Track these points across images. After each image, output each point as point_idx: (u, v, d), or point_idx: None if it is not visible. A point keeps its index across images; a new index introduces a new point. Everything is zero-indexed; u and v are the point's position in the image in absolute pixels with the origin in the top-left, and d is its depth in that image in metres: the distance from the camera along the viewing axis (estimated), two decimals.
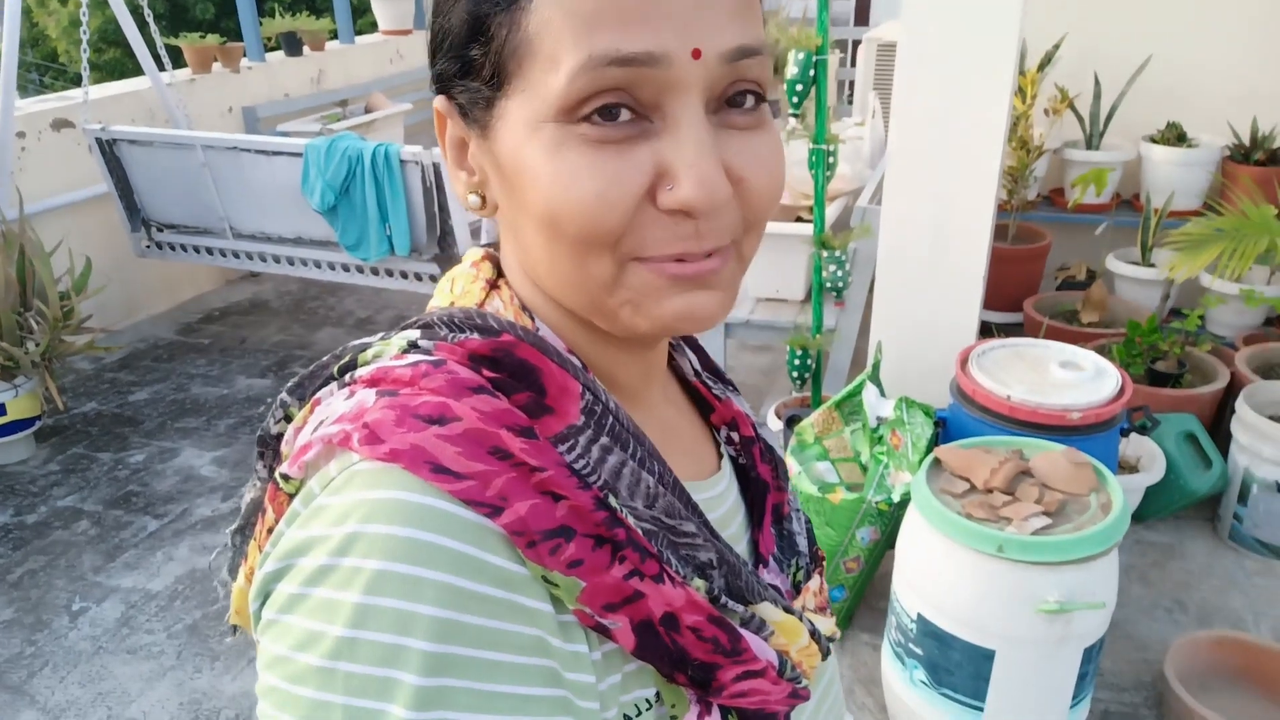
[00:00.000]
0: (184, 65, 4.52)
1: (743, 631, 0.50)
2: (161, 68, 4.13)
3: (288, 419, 0.52)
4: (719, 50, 0.44)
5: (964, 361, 2.25)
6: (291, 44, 5.05)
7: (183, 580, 2.55)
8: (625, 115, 0.44)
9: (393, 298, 4.44)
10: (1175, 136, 3.48)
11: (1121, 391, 2.14)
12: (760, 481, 0.64)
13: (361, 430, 0.43)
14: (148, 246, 3.90)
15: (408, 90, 5.78)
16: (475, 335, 0.49)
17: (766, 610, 0.53)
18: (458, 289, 0.56)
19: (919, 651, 1.84)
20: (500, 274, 0.56)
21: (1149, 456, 2.59)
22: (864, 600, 2.35)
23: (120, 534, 2.75)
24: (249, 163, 3.47)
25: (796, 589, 0.62)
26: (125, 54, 11.07)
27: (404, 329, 0.52)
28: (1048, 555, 1.64)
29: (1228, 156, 3.43)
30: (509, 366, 0.48)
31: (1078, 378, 2.17)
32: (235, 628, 0.56)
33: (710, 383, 0.66)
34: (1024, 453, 1.88)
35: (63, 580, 2.55)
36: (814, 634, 0.56)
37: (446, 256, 3.32)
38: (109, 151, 3.63)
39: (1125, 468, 2.59)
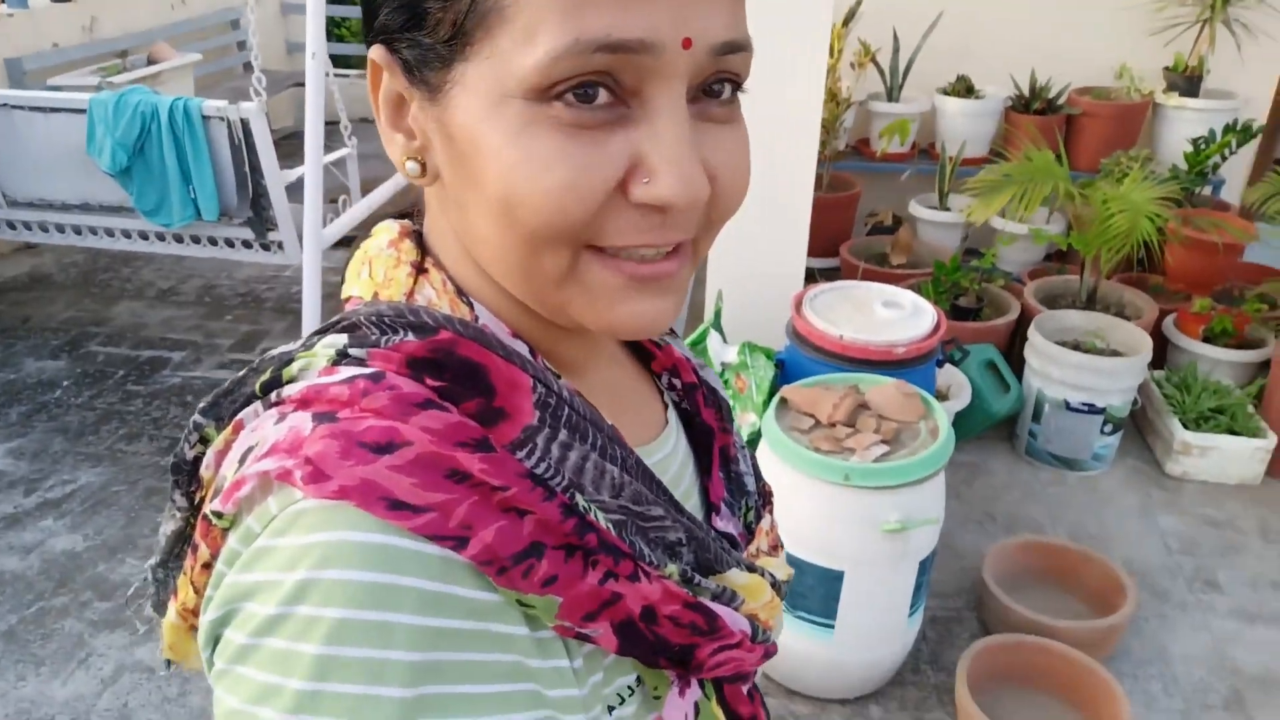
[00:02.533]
0: None
1: (716, 608, 0.49)
2: None
3: (204, 441, 0.47)
4: (710, 42, 0.42)
5: (798, 305, 2.37)
6: None
7: None
8: (603, 98, 0.41)
9: (198, 265, 4.14)
10: (964, 89, 3.76)
11: (937, 326, 2.32)
12: (705, 427, 0.63)
13: (304, 466, 0.40)
14: None
15: (194, 39, 5.33)
16: (410, 335, 0.45)
17: (734, 577, 0.53)
18: (379, 275, 0.50)
19: None
20: (424, 253, 0.51)
21: (957, 385, 2.83)
22: None
23: None
24: (23, 121, 3.11)
25: (749, 530, 0.63)
26: None
27: (325, 332, 0.47)
28: (889, 480, 1.78)
29: (1010, 107, 3.75)
30: (452, 368, 0.44)
31: (899, 315, 2.34)
32: (169, 661, 0.53)
33: None
34: (860, 387, 2.01)
35: None
36: (774, 584, 0.56)
37: (261, 220, 3.13)
38: None
39: (938, 397, 2.82)
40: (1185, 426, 2.77)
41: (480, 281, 0.50)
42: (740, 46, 0.44)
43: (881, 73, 3.79)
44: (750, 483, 0.64)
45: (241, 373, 0.48)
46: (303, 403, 0.43)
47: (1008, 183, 2.94)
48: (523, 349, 0.49)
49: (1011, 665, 2.00)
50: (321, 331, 0.47)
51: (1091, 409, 2.75)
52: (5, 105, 3.10)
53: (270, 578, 0.39)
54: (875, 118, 3.84)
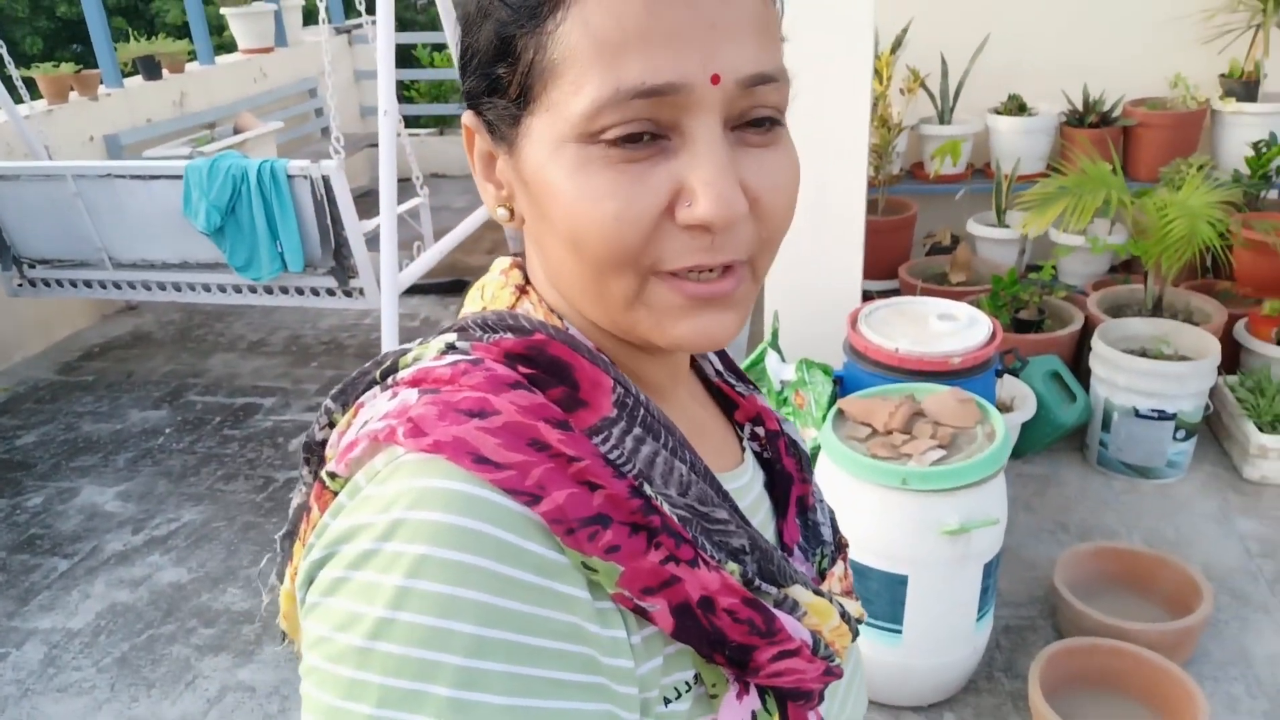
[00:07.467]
0: (39, 96, 4.34)
1: (776, 612, 0.51)
2: (17, 100, 3.96)
3: (331, 425, 0.54)
4: (737, 76, 0.46)
5: (854, 322, 2.43)
6: (150, 68, 4.90)
7: (104, 615, 2.49)
8: (646, 137, 0.46)
9: (285, 317, 4.38)
10: (1017, 107, 3.80)
11: (993, 336, 2.36)
12: (785, 474, 0.66)
13: (406, 424, 0.46)
14: (20, 285, 3.74)
15: (274, 109, 5.68)
16: (509, 335, 0.51)
17: (798, 593, 0.54)
18: (488, 295, 0.58)
19: None
20: (528, 280, 0.58)
21: (1021, 397, 2.83)
22: None
23: (30, 577, 2.66)
24: (124, 189, 3.38)
25: (822, 575, 0.65)
26: None
27: (441, 333, 0.54)
28: (946, 483, 1.82)
29: (1064, 122, 3.77)
30: (543, 363, 0.50)
31: (954, 327, 2.38)
32: (284, 635, 0.57)
33: (733, 382, 0.68)
34: (915, 396, 2.05)
35: None
36: (844, 615, 0.58)
37: (343, 269, 3.32)
38: None
39: (1001, 408, 2.83)
40: (1261, 430, 2.73)
41: (566, 307, 0.56)
42: (769, 78, 0.48)
43: (932, 97, 3.85)
44: (826, 533, 0.67)
45: (366, 365, 0.55)
46: (412, 382, 0.50)
47: (1062, 194, 2.97)
48: (606, 360, 0.54)
49: (1086, 669, 1.99)
50: (439, 333, 0.55)
51: (1162, 415, 2.72)
52: (109, 175, 3.36)
53: (368, 519, 0.44)
54: (928, 141, 3.89)
